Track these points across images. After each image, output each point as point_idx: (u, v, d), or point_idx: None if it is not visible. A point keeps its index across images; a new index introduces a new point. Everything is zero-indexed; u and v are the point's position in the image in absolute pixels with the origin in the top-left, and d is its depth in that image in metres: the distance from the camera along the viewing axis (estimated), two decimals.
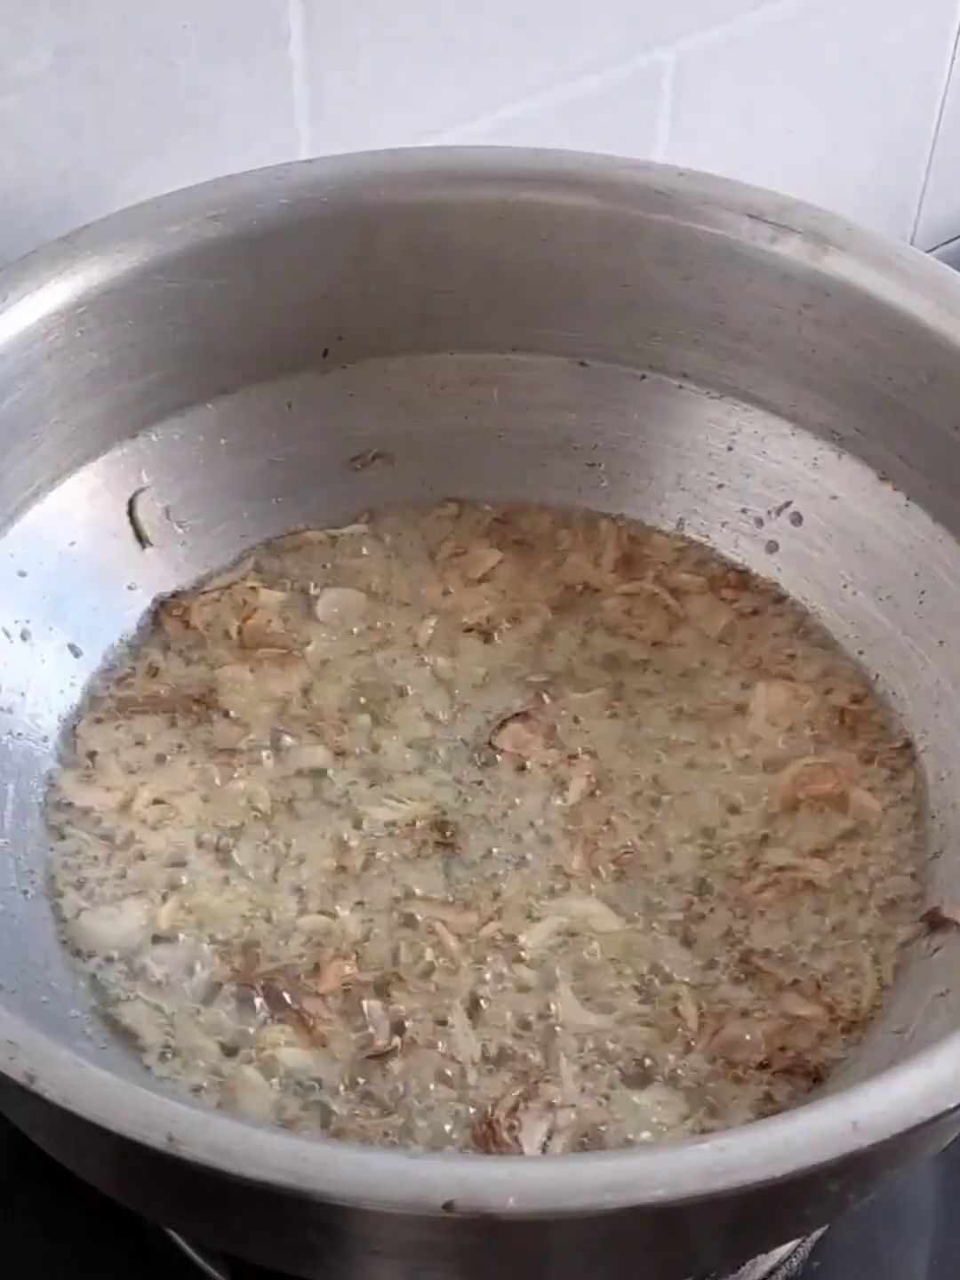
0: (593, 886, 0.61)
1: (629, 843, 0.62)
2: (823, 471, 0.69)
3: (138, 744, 0.65)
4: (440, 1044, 0.56)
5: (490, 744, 0.65)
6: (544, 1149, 0.54)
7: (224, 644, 0.68)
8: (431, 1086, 0.55)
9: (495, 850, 0.62)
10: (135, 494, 0.68)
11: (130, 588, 0.68)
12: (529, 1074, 0.56)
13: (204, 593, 0.69)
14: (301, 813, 0.63)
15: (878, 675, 0.67)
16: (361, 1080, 0.56)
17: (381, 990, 0.58)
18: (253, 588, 0.70)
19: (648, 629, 0.70)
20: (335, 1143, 0.52)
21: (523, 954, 0.59)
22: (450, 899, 0.60)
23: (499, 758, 0.65)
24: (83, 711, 0.65)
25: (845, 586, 0.69)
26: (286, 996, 0.57)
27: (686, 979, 0.58)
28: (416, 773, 0.64)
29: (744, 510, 0.71)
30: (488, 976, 0.58)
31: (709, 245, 0.67)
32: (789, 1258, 0.61)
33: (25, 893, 0.59)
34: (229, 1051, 0.56)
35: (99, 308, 0.64)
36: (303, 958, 0.59)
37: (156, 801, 0.63)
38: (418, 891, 0.60)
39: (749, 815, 0.63)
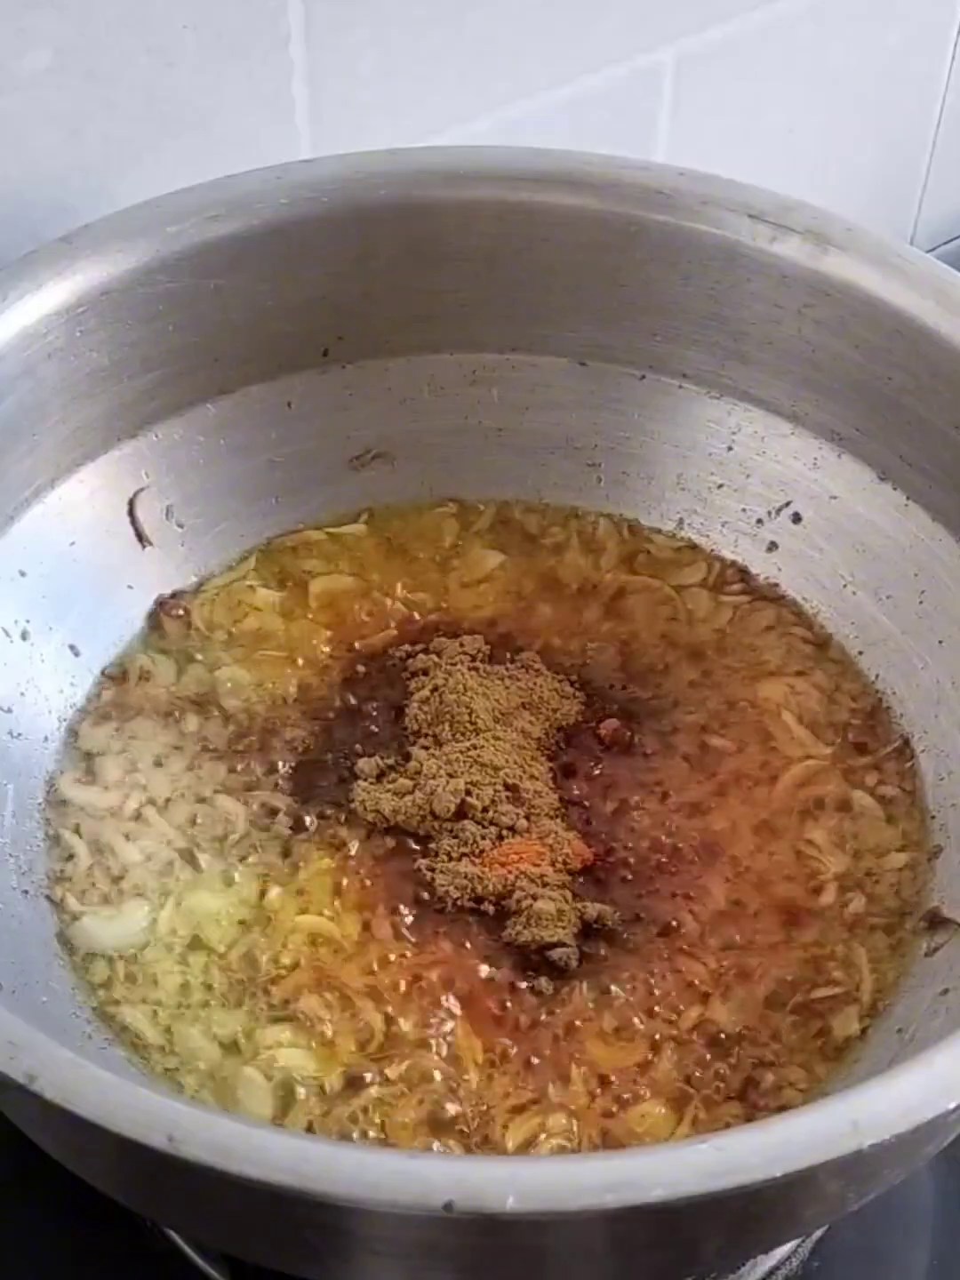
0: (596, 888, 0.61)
1: (630, 844, 0.62)
2: (823, 471, 0.69)
3: (137, 744, 0.65)
4: (439, 1046, 0.56)
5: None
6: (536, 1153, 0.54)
7: (223, 644, 0.68)
8: (430, 1088, 0.55)
9: None
10: (135, 494, 0.68)
11: (130, 588, 0.68)
12: (527, 1078, 0.56)
13: (204, 593, 0.69)
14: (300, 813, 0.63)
15: (877, 675, 0.67)
16: (361, 1081, 0.56)
17: (380, 992, 0.58)
18: (252, 587, 0.70)
19: (648, 629, 0.70)
20: (335, 1143, 0.52)
21: (524, 957, 0.59)
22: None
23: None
24: (82, 712, 0.65)
25: (845, 586, 0.69)
26: (286, 997, 0.57)
27: (687, 981, 0.58)
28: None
29: (744, 510, 0.71)
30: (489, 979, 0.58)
31: (709, 245, 0.67)
32: (789, 1258, 0.61)
33: (25, 893, 0.59)
34: (229, 1051, 0.56)
35: (99, 308, 0.64)
36: (302, 958, 0.59)
37: (155, 802, 0.63)
38: (418, 891, 0.60)
39: (748, 815, 0.63)
